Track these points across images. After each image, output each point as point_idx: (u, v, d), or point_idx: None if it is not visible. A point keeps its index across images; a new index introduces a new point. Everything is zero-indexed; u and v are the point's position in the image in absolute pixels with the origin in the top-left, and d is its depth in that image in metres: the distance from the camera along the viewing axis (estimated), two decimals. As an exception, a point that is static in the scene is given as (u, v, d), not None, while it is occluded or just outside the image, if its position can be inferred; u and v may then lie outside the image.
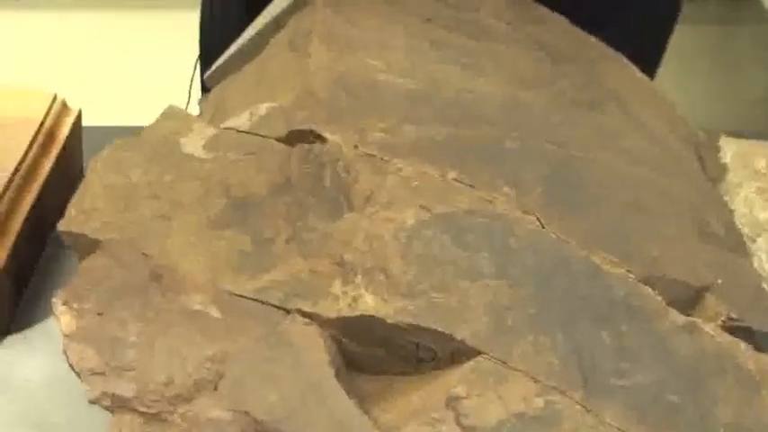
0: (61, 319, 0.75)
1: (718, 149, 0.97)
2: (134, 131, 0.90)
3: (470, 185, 0.82)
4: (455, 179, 0.82)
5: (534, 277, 0.77)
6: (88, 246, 0.81)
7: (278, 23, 0.98)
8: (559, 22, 1.05)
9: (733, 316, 0.82)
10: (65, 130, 1.03)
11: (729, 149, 0.97)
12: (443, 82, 0.91)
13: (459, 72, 0.92)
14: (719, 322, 0.82)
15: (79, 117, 1.05)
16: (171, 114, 0.90)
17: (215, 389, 0.72)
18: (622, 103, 0.96)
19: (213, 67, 1.01)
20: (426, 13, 0.99)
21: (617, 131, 0.92)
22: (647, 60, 1.33)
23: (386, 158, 0.82)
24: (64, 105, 1.05)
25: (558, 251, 0.79)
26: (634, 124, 0.94)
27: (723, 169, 0.95)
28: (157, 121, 0.90)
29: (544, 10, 1.05)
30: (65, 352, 0.74)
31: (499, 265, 0.77)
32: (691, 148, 0.96)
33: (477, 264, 0.77)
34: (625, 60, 1.03)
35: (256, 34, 0.99)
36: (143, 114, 0.95)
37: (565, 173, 0.85)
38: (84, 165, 1.02)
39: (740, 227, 0.90)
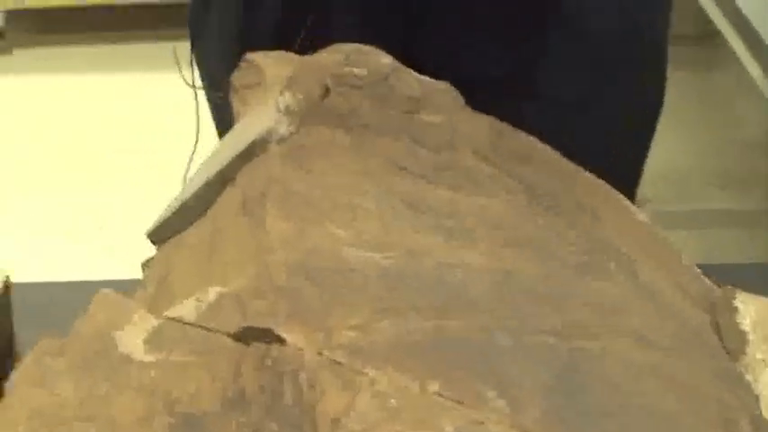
0: None
1: (734, 311, 0.85)
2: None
3: (457, 401, 0.69)
4: (438, 393, 0.70)
5: None
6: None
7: (224, 177, 0.85)
8: (547, 155, 0.92)
9: None
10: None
11: (748, 312, 0.85)
12: (423, 254, 0.78)
13: (441, 241, 0.80)
14: None
15: (8, 284, 0.92)
16: (104, 302, 0.78)
17: None
18: (625, 263, 0.84)
19: (157, 222, 0.88)
20: (399, 159, 0.86)
21: (623, 304, 0.80)
22: (637, 145, 1.24)
23: (356, 367, 0.70)
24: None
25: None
26: (641, 291, 0.82)
27: (742, 339, 0.83)
28: (90, 311, 0.77)
29: (528, 140, 0.93)
30: None
31: None
32: (705, 314, 0.84)
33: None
34: (623, 201, 0.91)
35: (201, 187, 0.86)
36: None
37: (568, 377, 0.73)
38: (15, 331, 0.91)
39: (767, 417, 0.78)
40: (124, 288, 0.84)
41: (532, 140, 0.94)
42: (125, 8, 3.78)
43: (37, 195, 2.34)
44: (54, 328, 0.77)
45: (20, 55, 3.47)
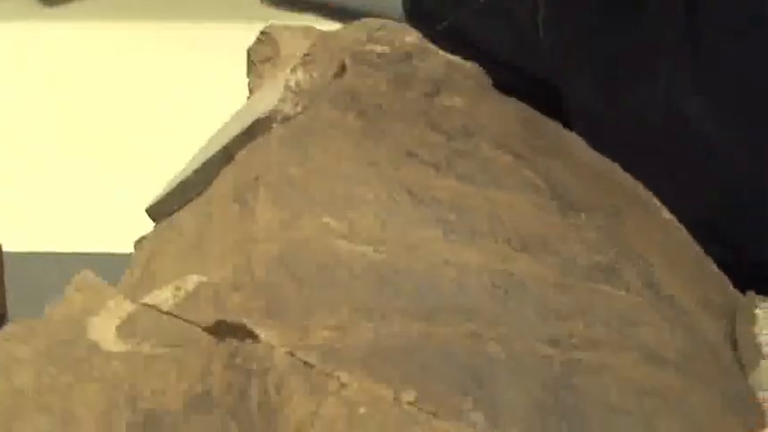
0: None
1: (754, 321, 0.79)
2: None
3: (431, 413, 0.65)
4: (411, 403, 0.65)
5: None
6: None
7: (228, 153, 0.81)
8: (579, 149, 0.86)
9: None
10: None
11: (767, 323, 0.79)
12: (420, 252, 0.74)
13: (441, 236, 0.75)
14: None
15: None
16: (82, 285, 0.74)
17: None
18: (646, 269, 0.79)
19: (155, 199, 0.84)
20: (410, 145, 0.81)
21: (634, 315, 0.75)
22: None
23: (328, 371, 0.66)
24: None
25: None
26: (656, 300, 0.77)
27: (758, 353, 0.77)
28: (67, 294, 0.74)
29: (559, 131, 0.87)
30: None
31: None
32: (722, 323, 0.78)
33: None
34: (655, 202, 0.84)
35: (204, 164, 0.82)
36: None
37: (558, 392, 0.68)
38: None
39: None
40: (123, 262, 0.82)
41: (564, 132, 0.88)
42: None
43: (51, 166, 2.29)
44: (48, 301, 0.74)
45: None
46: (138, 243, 0.84)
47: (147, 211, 0.86)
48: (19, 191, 2.08)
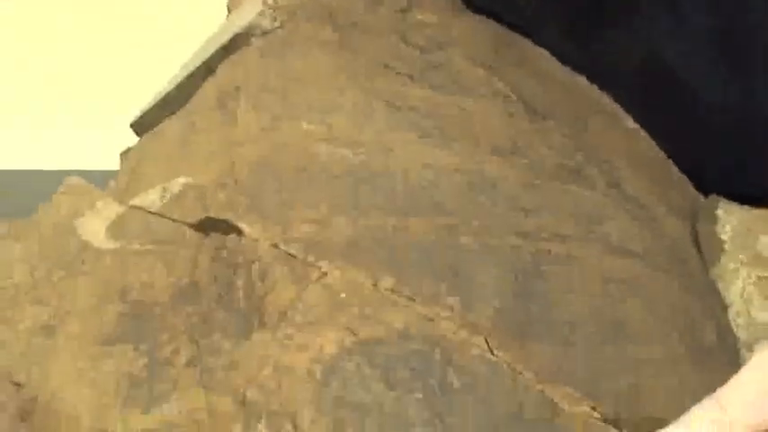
0: None
1: (715, 220, 0.83)
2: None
3: (408, 297, 0.68)
4: (390, 289, 0.68)
5: (475, 427, 0.63)
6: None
7: (209, 68, 0.84)
8: (546, 62, 0.90)
9: None
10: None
11: (728, 222, 0.82)
12: (396, 154, 0.77)
13: (416, 140, 0.78)
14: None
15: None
16: (72, 189, 0.77)
17: None
18: (610, 170, 0.82)
19: (140, 113, 0.87)
20: (385, 58, 0.84)
21: (600, 212, 0.78)
22: None
23: (310, 261, 0.69)
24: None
25: (508, 387, 0.66)
26: (622, 199, 0.80)
27: (719, 247, 0.80)
28: (57, 196, 0.76)
29: (533, 50, 0.90)
30: None
31: (433, 409, 0.64)
32: (686, 222, 0.82)
33: (406, 408, 0.63)
34: (620, 113, 0.88)
35: (186, 78, 0.85)
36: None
37: (528, 278, 0.71)
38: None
39: (735, 328, 0.76)
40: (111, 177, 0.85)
41: (532, 47, 0.91)
42: None
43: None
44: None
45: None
46: (124, 154, 0.87)
47: (131, 125, 0.89)
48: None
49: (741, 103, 0.98)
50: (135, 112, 0.90)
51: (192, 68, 0.86)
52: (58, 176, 0.81)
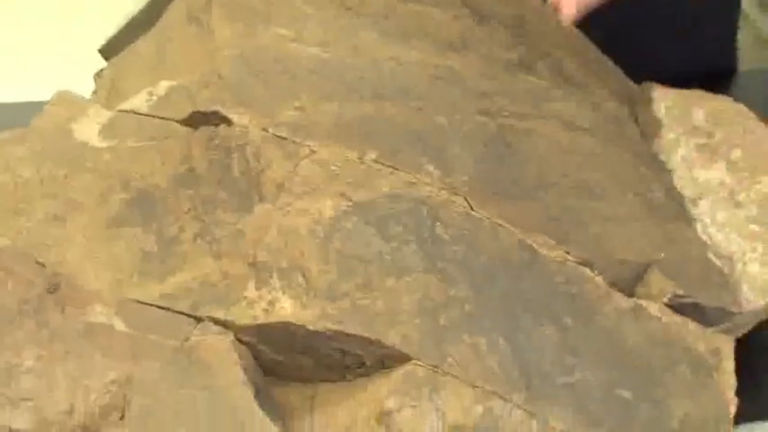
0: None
1: (651, 102, 0.91)
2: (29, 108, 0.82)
3: (391, 166, 0.75)
4: (375, 160, 0.75)
5: (466, 270, 0.70)
6: (-24, 255, 0.73)
7: None
8: None
9: (679, 292, 0.76)
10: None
11: (663, 102, 0.90)
12: (362, 50, 0.83)
13: (379, 39, 0.85)
14: (665, 300, 0.76)
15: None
16: (62, 99, 0.82)
17: (121, 417, 0.65)
18: (553, 62, 0.90)
19: (108, 38, 0.92)
20: (343, -27, 0.91)
21: (549, 95, 0.85)
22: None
23: (298, 141, 0.75)
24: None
25: (491, 237, 0.73)
26: (566, 84, 0.88)
27: (658, 124, 0.89)
28: (47, 107, 0.82)
29: None
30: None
31: (428, 257, 0.70)
32: (624, 105, 0.90)
33: (404, 257, 0.70)
34: (551, 11, 0.96)
35: (151, 1, 0.90)
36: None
37: (496, 147, 0.78)
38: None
39: (680, 189, 0.84)
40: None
41: None
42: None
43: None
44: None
45: None
46: (98, 74, 0.92)
47: (99, 51, 0.94)
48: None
49: None
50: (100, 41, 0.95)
51: None
52: (29, 108, 0.85)
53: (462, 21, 0.90)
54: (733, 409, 0.73)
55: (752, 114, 0.89)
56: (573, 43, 0.94)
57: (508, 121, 0.81)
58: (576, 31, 0.95)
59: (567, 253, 0.74)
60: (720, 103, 0.89)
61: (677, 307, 0.77)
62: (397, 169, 0.75)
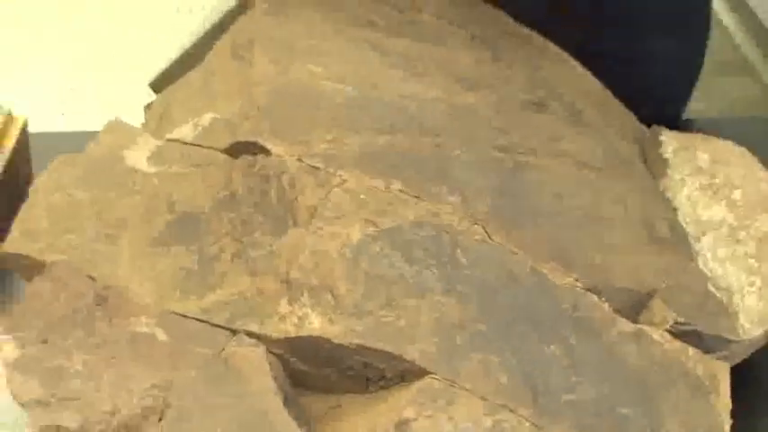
0: (3, 347, 0.75)
1: (659, 144, 0.98)
2: (83, 138, 0.89)
3: (415, 196, 0.81)
4: (400, 190, 0.81)
5: (482, 293, 0.77)
6: (32, 268, 0.80)
7: (221, 27, 0.96)
8: (502, 19, 1.04)
9: (680, 320, 0.82)
10: (11, 141, 1.01)
11: (671, 144, 0.97)
12: (385, 88, 0.90)
13: (401, 77, 0.91)
14: (667, 327, 0.82)
15: (25, 126, 1.03)
16: (114, 128, 0.89)
17: (160, 419, 0.71)
18: (566, 103, 0.96)
19: (158, 72, 0.99)
20: (366, 16, 0.98)
21: (562, 134, 0.92)
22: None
23: (330, 171, 0.82)
24: (9, 115, 1.03)
25: (505, 263, 0.79)
26: (579, 125, 0.94)
27: (665, 165, 0.95)
28: (100, 135, 0.88)
29: (487, 8, 1.04)
30: (7, 382, 0.74)
31: (447, 280, 0.77)
32: (634, 146, 0.96)
33: (425, 279, 0.76)
34: (566, 56, 1.02)
35: (200, 38, 0.97)
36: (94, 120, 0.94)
37: (512, 181, 0.85)
38: (34, 173, 1.01)
39: (684, 226, 0.90)
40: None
41: (491, 8, 1.05)
42: None
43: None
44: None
45: None
46: (147, 106, 0.99)
47: (150, 85, 1.01)
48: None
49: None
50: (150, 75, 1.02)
51: (206, 28, 0.98)
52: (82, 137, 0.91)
53: (482, 63, 0.97)
54: (728, 429, 0.79)
55: (753, 157, 0.95)
56: (587, 87, 1.00)
57: (523, 157, 0.87)
58: (589, 76, 1.02)
59: (576, 280, 0.80)
60: (723, 146, 0.96)
61: (678, 334, 0.83)
62: (421, 199, 0.81)
